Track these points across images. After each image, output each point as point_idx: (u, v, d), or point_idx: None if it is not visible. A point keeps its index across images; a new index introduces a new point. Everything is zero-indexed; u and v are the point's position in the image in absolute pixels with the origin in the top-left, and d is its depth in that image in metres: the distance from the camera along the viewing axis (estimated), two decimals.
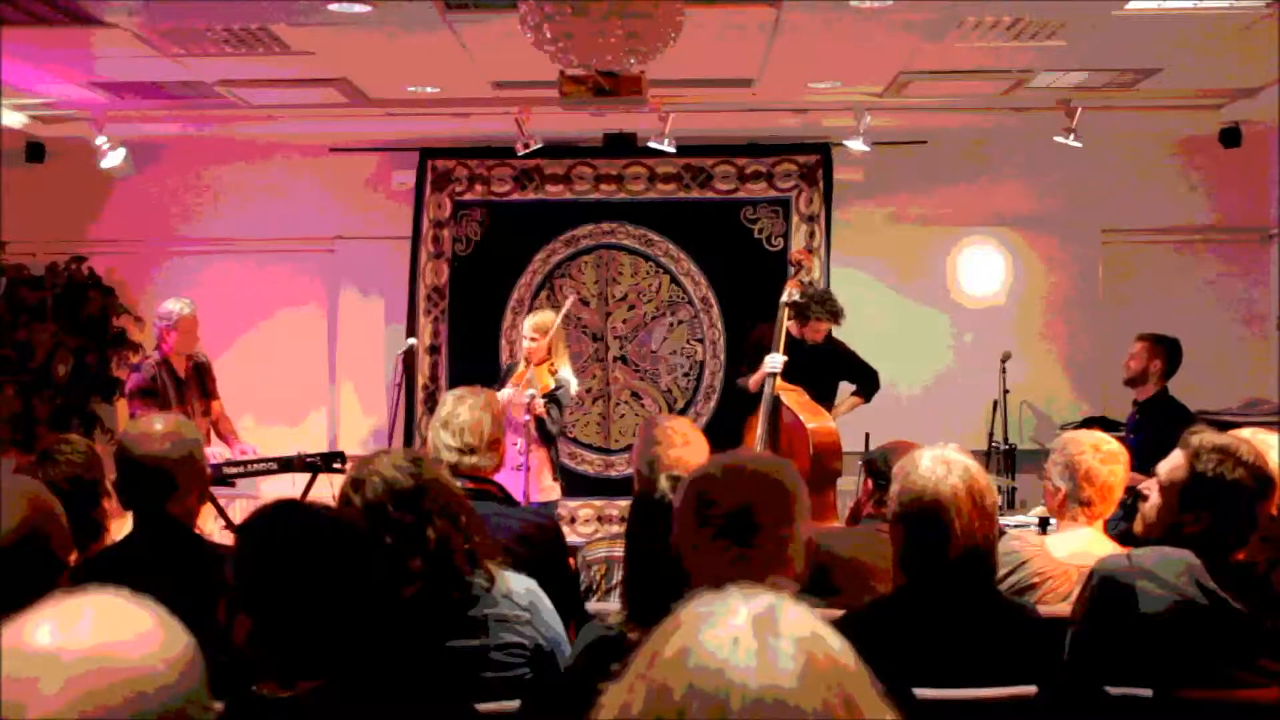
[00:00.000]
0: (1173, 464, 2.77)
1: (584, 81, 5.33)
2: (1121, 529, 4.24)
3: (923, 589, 2.56)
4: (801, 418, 5.82)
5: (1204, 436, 2.76)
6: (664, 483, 2.51)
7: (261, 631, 1.88)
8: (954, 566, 2.52)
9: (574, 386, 6.15)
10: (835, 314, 6.22)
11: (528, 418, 5.63)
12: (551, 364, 5.97)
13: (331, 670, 1.85)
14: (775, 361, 5.91)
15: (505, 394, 5.63)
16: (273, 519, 2.03)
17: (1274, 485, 2.70)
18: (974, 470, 2.57)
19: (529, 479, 5.53)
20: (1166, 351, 6.07)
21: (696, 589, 1.09)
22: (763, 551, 2.18)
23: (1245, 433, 3.05)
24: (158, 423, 3.04)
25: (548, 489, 6.03)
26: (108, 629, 1.05)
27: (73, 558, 2.27)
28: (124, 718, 1.01)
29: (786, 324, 6.03)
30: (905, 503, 2.56)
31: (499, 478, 3.64)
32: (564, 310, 6.23)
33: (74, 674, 1.01)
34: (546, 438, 5.98)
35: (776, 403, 5.89)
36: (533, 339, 5.93)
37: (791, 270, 6.28)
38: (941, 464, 2.56)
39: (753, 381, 6.09)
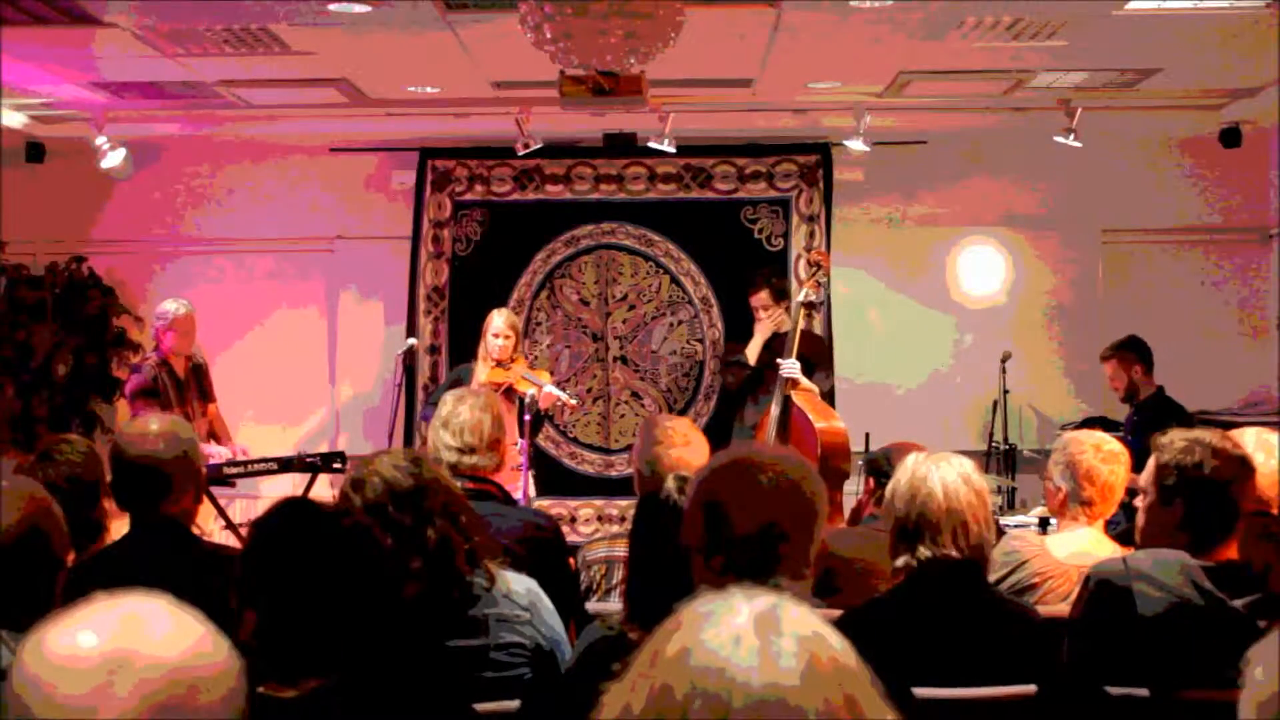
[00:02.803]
0: (1147, 469, 2.80)
1: (584, 81, 5.32)
2: (1122, 529, 4.24)
3: (921, 589, 2.56)
4: (811, 417, 5.81)
5: (1171, 434, 2.80)
6: (671, 483, 2.50)
7: (267, 628, 1.88)
8: (950, 566, 2.53)
9: None
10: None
11: (527, 418, 5.63)
12: (527, 361, 6.01)
13: (335, 670, 1.84)
14: (791, 366, 5.89)
15: (530, 393, 5.65)
16: (286, 516, 2.02)
17: (1249, 466, 2.71)
18: (968, 471, 2.60)
19: (528, 478, 5.53)
20: (1135, 353, 6.07)
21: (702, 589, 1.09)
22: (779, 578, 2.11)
23: (1249, 432, 3.06)
24: (153, 423, 3.04)
25: (528, 485, 6.07)
26: (180, 637, 1.08)
27: (70, 558, 2.27)
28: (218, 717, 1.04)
29: (800, 324, 6.00)
30: (903, 504, 2.58)
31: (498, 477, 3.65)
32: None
33: (147, 677, 1.03)
34: (538, 430, 6.04)
35: (788, 403, 5.88)
36: (507, 337, 5.92)
37: (810, 271, 6.23)
38: (935, 465, 2.58)
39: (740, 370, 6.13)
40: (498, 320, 6.02)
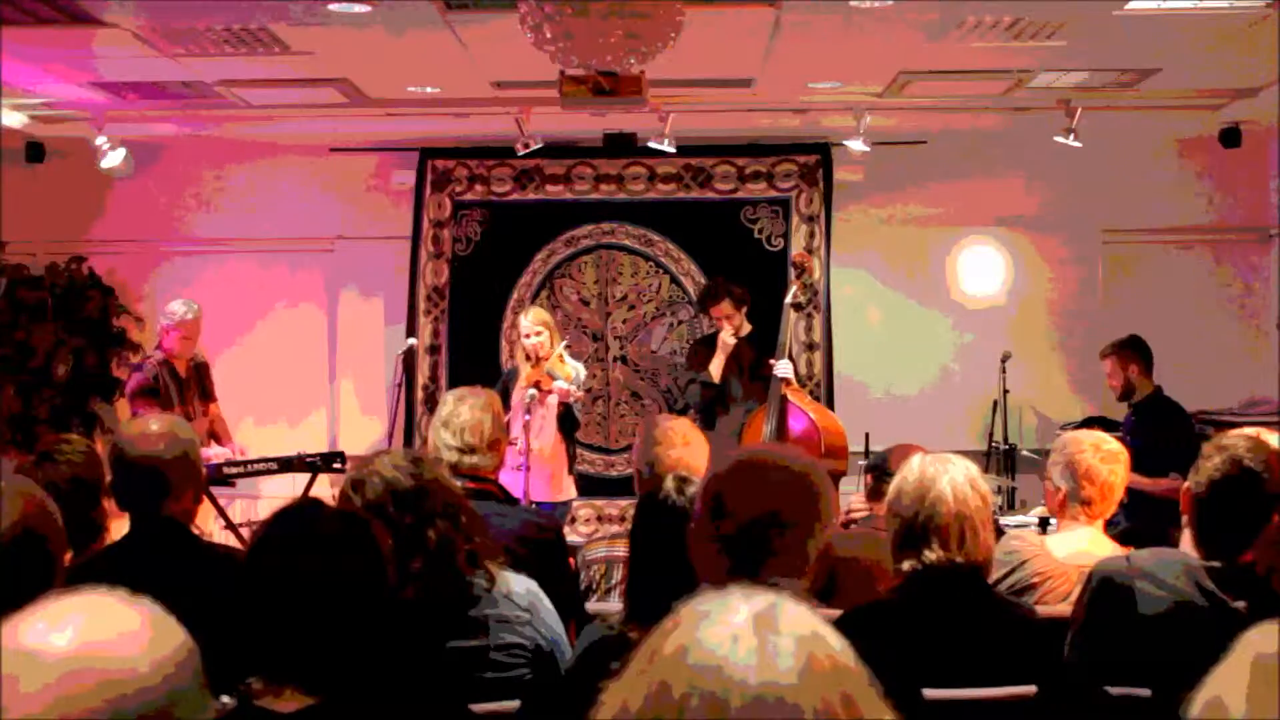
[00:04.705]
0: (1193, 476, 2.76)
1: (584, 81, 5.32)
2: (1122, 528, 4.23)
3: (923, 591, 2.56)
4: (813, 415, 5.84)
5: (1219, 436, 2.76)
6: (670, 483, 2.51)
7: (269, 635, 1.85)
8: (954, 570, 2.52)
9: (583, 372, 6.22)
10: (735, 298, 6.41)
11: (527, 418, 5.64)
12: (560, 355, 6.03)
13: (334, 681, 1.81)
14: (785, 368, 5.94)
15: (530, 394, 5.68)
16: (293, 521, 1.98)
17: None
18: (974, 474, 2.59)
19: (528, 478, 5.54)
20: (1134, 352, 6.07)
21: (701, 588, 1.09)
22: (772, 572, 2.11)
23: (1247, 433, 3.05)
24: (153, 423, 3.03)
25: (566, 486, 6.12)
26: (93, 629, 1.06)
27: (68, 558, 2.26)
28: (102, 718, 1.02)
29: (790, 326, 6.09)
30: (911, 506, 2.57)
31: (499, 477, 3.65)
32: (558, 349, 6.29)
33: (54, 675, 1.02)
34: (574, 427, 6.06)
35: (784, 404, 5.90)
36: (538, 333, 5.97)
37: (794, 273, 6.33)
38: (943, 468, 2.58)
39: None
40: (525, 321, 6.07)
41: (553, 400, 5.95)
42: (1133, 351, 6.07)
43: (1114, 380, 6.11)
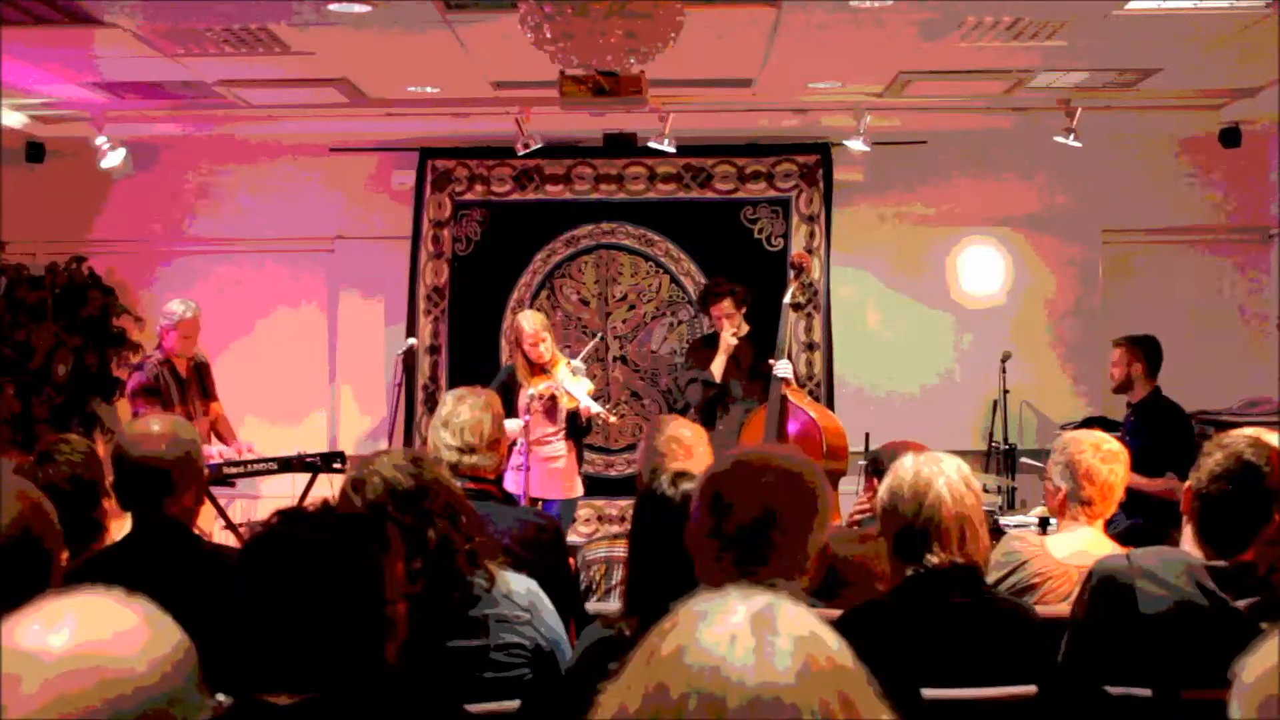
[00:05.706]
0: (1194, 474, 2.75)
1: (584, 81, 5.32)
2: (1121, 528, 4.23)
3: (922, 591, 2.55)
4: (813, 415, 5.85)
5: (1219, 435, 2.76)
6: (665, 478, 2.51)
7: (264, 635, 1.85)
8: (952, 570, 2.52)
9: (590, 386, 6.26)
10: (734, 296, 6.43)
11: (528, 418, 5.65)
12: (569, 362, 6.06)
13: (332, 677, 1.81)
14: (784, 367, 5.95)
15: (530, 393, 5.72)
16: (287, 522, 1.96)
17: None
18: (966, 472, 2.59)
19: (529, 478, 5.55)
20: (1145, 351, 6.06)
21: (700, 588, 1.09)
22: (772, 570, 2.13)
23: (1248, 432, 3.05)
24: (154, 424, 3.04)
25: (576, 485, 6.19)
26: (89, 629, 1.06)
27: (64, 557, 2.25)
28: (101, 718, 1.02)
29: (790, 325, 6.11)
30: (910, 508, 2.57)
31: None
32: (586, 350, 6.34)
33: (52, 675, 1.02)
34: (583, 433, 6.11)
35: (784, 404, 5.90)
36: (542, 339, 5.96)
37: (793, 273, 6.35)
38: (938, 468, 2.57)
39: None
40: (527, 327, 5.98)
41: (564, 403, 5.96)
42: (1143, 350, 6.06)
43: (1116, 370, 6.10)
